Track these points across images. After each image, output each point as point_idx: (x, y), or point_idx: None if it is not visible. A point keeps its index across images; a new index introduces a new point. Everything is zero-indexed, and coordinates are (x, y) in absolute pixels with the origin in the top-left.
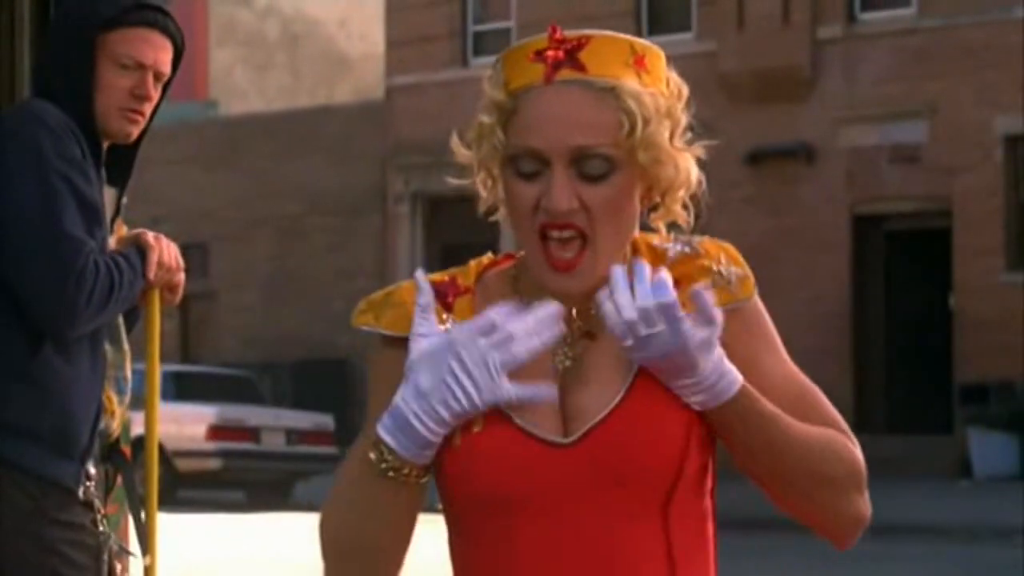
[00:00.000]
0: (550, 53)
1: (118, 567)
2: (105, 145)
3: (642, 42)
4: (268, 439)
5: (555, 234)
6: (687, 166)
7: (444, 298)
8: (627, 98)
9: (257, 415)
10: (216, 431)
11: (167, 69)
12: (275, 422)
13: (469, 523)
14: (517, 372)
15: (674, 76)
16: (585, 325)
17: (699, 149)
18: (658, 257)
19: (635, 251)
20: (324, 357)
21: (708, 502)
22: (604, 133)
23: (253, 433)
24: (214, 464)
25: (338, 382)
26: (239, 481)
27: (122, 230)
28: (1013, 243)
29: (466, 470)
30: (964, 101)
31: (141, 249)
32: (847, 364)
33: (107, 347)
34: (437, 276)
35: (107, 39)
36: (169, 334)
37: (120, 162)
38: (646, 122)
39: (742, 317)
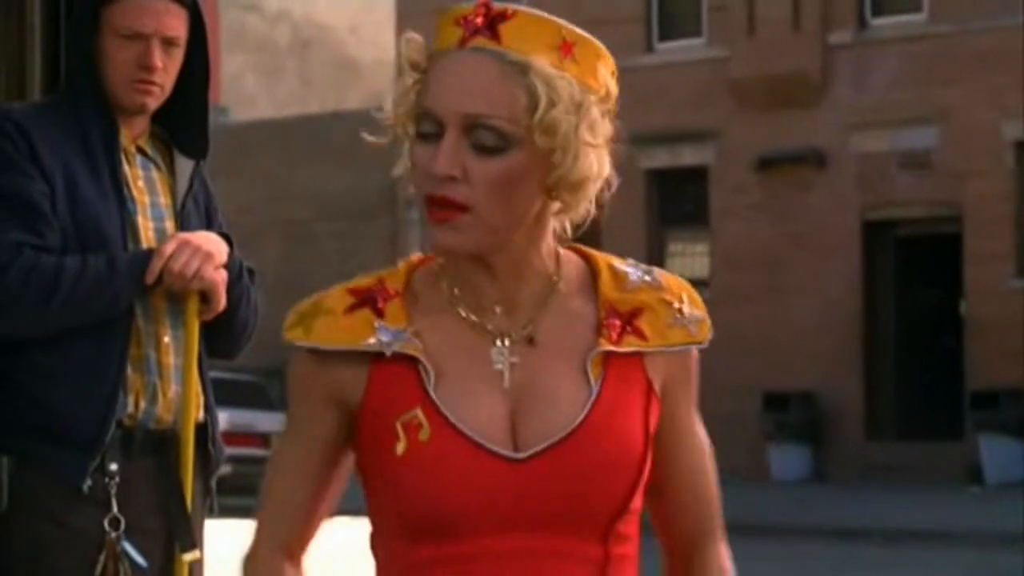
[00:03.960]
0: (470, 18)
1: (120, 572)
2: (137, 120)
3: (577, 32)
4: None
5: (437, 208)
6: (591, 162)
7: (374, 303)
8: (535, 77)
9: (267, 420)
10: (226, 436)
11: (176, 32)
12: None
13: (407, 534)
14: (453, 375)
15: (610, 81)
16: (523, 330)
17: (609, 147)
18: (619, 280)
19: (594, 269)
20: None
21: (637, 524)
22: (501, 106)
23: (263, 439)
24: (224, 470)
25: None
26: (249, 487)
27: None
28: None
29: (411, 481)
30: (975, 107)
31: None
32: (857, 370)
33: (140, 324)
34: (364, 281)
35: (109, 12)
36: None
37: (191, 133)
38: (550, 104)
39: (686, 362)
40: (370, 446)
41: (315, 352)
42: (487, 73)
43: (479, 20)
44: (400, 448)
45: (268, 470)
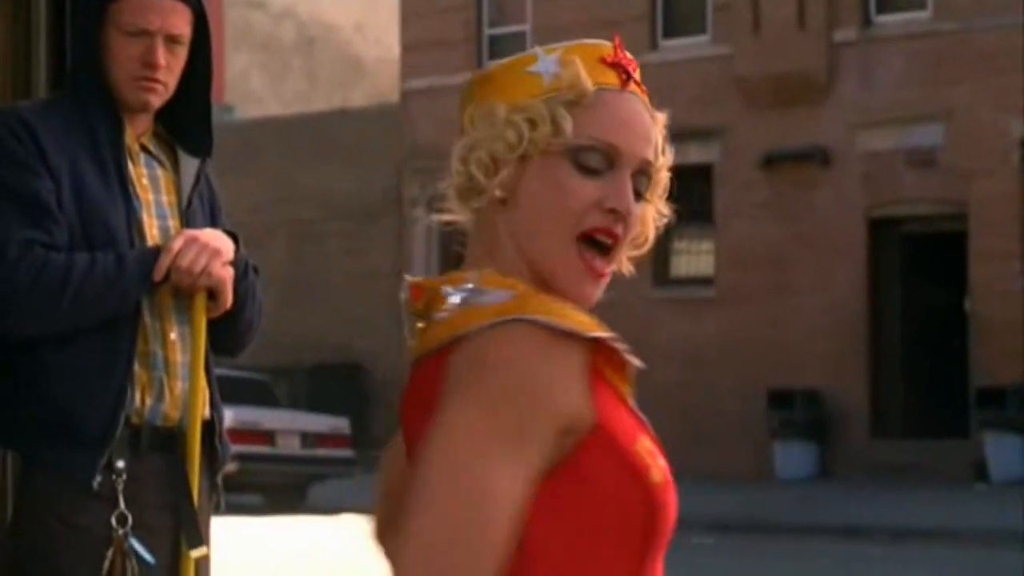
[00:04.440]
0: (622, 62)
1: (128, 569)
2: (141, 118)
3: None
4: (284, 442)
5: (601, 239)
6: (649, 222)
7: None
8: (659, 133)
9: (273, 418)
10: (232, 434)
11: (180, 31)
12: (291, 425)
13: (641, 559)
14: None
15: None
16: None
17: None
18: None
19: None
20: (340, 360)
21: None
22: (655, 156)
23: (269, 436)
24: (230, 467)
25: (353, 385)
26: (255, 484)
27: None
28: None
29: (670, 506)
30: (980, 105)
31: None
32: (863, 367)
33: (147, 320)
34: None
35: (114, 9)
36: None
37: (195, 131)
38: (665, 162)
39: None
40: (617, 473)
41: (581, 352)
42: (650, 122)
43: (631, 66)
44: (657, 476)
45: (481, 510)
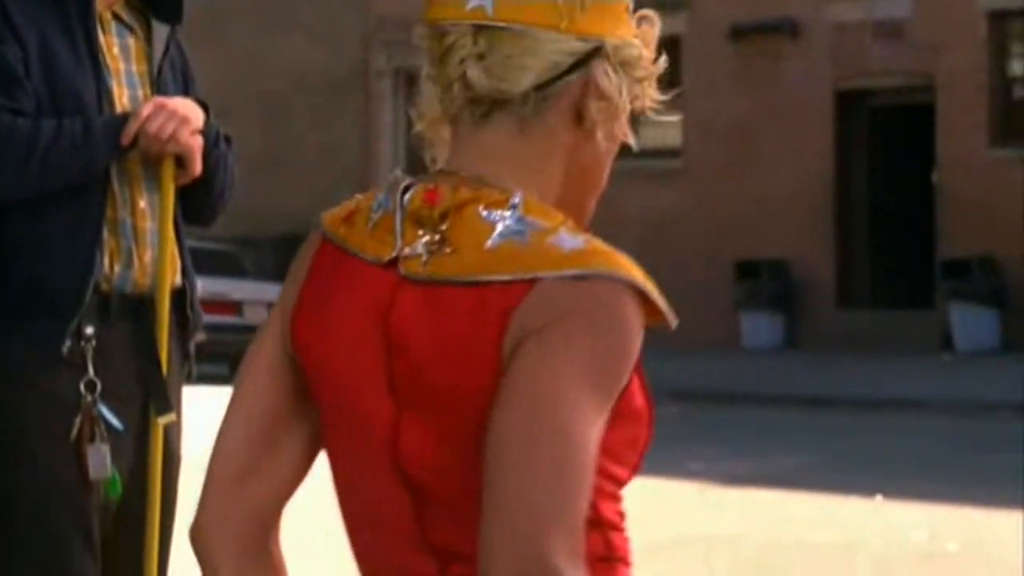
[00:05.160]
0: None
1: (96, 435)
2: None
3: None
4: (251, 312)
5: None
6: None
7: None
8: None
9: (240, 289)
10: (200, 304)
11: None
12: (258, 295)
13: None
14: None
15: None
16: None
17: None
18: None
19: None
20: (306, 232)
21: None
22: None
23: (236, 306)
24: (197, 337)
25: None
26: (223, 354)
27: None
28: (996, 119)
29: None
30: None
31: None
32: (830, 239)
33: (116, 188)
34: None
35: None
36: None
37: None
38: None
39: None
40: (641, 411)
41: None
42: None
43: None
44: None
45: (579, 459)
